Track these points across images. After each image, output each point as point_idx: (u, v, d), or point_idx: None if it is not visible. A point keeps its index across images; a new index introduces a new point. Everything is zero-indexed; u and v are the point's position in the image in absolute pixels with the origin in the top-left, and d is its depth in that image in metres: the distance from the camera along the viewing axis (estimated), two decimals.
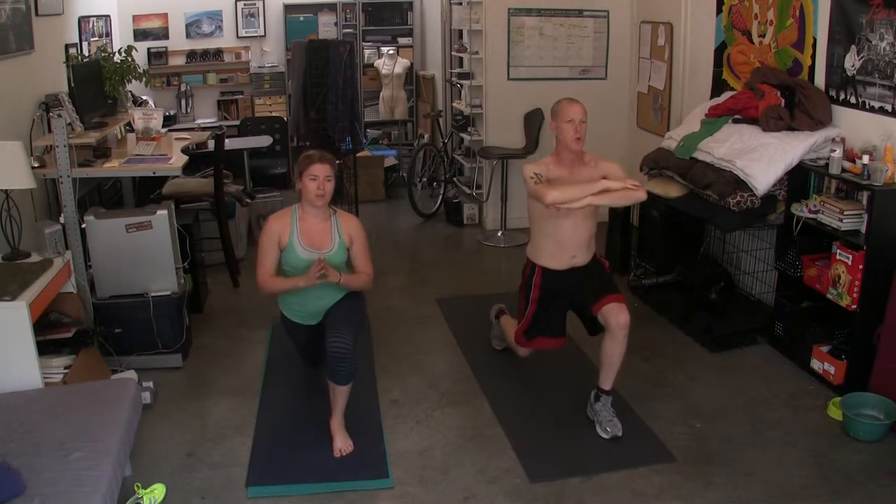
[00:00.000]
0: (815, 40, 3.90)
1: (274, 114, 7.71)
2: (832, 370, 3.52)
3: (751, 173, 3.74)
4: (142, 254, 3.73)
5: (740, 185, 3.79)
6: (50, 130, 3.84)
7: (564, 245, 3.29)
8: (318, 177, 3.13)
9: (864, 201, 3.40)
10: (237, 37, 7.79)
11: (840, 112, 3.77)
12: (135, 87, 6.08)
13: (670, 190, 4.29)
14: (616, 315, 3.15)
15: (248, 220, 5.80)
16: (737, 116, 4.12)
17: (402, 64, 8.15)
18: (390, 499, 2.86)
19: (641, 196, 3.20)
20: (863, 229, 3.36)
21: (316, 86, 5.28)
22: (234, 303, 4.73)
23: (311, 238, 3.21)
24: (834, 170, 3.47)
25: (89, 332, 3.50)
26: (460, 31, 6.87)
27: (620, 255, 5.03)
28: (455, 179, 6.75)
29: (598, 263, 3.44)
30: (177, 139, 4.99)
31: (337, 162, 5.58)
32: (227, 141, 5.14)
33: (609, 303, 3.19)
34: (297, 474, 2.97)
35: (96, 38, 6.08)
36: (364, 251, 3.32)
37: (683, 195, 4.21)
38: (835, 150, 3.48)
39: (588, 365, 3.78)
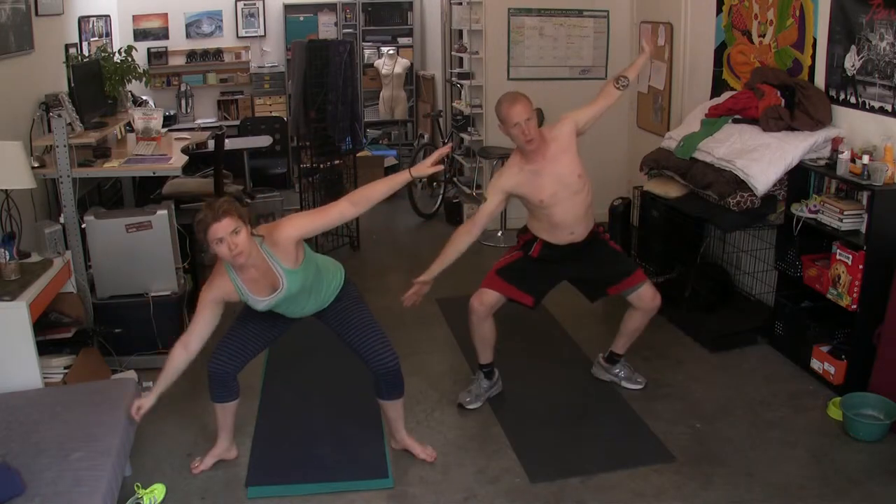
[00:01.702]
0: (815, 40, 3.90)
1: (274, 114, 7.71)
2: (832, 370, 3.51)
3: (751, 173, 3.74)
4: (142, 254, 3.73)
5: (740, 185, 3.79)
6: (50, 130, 3.84)
7: (561, 226, 3.31)
8: (223, 238, 2.57)
9: (864, 201, 3.39)
10: (237, 37, 7.80)
11: (840, 112, 3.76)
12: (135, 87, 6.08)
13: (670, 190, 4.29)
14: (653, 297, 3.40)
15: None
16: (737, 116, 4.12)
17: (402, 64, 8.15)
18: (390, 499, 2.86)
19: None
20: (863, 229, 3.36)
21: (316, 86, 5.27)
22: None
23: (258, 287, 2.76)
24: (841, 171, 3.45)
25: (89, 332, 3.51)
26: (460, 31, 6.87)
27: None
28: (455, 179, 6.74)
29: (603, 245, 3.45)
30: (177, 139, 4.99)
31: (336, 162, 5.64)
32: (227, 141, 5.14)
33: (635, 283, 3.38)
34: (297, 474, 2.97)
35: (96, 38, 6.08)
36: (311, 219, 2.83)
37: (683, 195, 4.21)
38: (842, 151, 3.46)
39: (587, 365, 3.79)
